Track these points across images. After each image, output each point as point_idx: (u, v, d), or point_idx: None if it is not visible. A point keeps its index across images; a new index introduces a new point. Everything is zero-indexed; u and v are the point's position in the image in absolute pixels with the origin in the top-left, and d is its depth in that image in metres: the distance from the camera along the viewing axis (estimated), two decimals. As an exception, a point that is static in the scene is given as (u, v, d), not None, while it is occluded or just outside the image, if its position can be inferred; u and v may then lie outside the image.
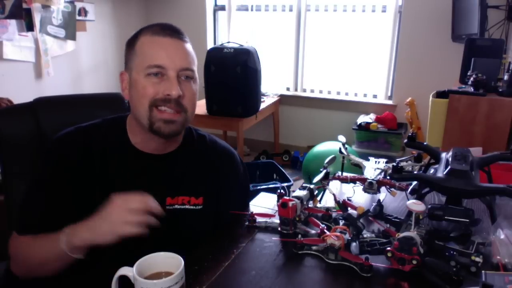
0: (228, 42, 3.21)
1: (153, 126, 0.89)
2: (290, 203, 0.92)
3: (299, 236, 0.89)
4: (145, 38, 0.90)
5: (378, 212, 1.01)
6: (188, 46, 0.93)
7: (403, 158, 1.14)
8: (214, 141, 1.08)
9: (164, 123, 0.89)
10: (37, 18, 3.02)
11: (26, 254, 0.88)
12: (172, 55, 0.88)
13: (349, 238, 0.84)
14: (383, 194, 1.11)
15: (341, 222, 0.92)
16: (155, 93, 0.88)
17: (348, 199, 1.09)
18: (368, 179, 1.04)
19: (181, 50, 0.90)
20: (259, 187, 2.47)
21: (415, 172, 1.09)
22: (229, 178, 1.06)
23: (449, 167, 0.92)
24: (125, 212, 0.77)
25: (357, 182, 1.08)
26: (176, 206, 0.96)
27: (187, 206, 0.98)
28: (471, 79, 2.01)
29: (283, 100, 3.85)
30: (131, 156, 0.95)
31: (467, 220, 0.85)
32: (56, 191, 0.90)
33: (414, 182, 1.08)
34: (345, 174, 1.13)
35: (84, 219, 0.87)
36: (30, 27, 3.00)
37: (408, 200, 0.97)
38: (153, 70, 0.87)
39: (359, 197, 1.15)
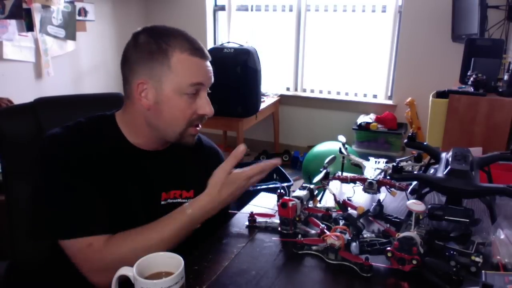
0: (228, 42, 3.21)
1: (182, 139, 0.96)
2: (290, 203, 0.92)
3: (299, 236, 0.89)
4: (182, 56, 0.91)
5: (378, 212, 1.01)
6: None
7: (403, 158, 1.14)
8: (199, 137, 1.11)
9: (193, 137, 0.98)
10: (37, 18, 3.02)
11: (135, 247, 0.85)
12: (208, 74, 0.96)
13: (349, 238, 0.84)
14: (383, 194, 1.11)
15: (341, 222, 0.92)
16: (191, 114, 0.93)
17: (348, 199, 1.09)
18: (368, 179, 1.04)
19: (211, 70, 0.98)
20: (259, 187, 2.47)
21: (415, 172, 1.09)
22: None
23: (449, 167, 0.92)
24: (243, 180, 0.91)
25: (357, 182, 1.08)
26: (169, 201, 0.99)
27: (179, 200, 1.00)
28: (471, 79, 2.01)
29: (283, 100, 3.85)
30: (126, 153, 0.96)
31: (467, 220, 0.85)
32: (84, 187, 0.88)
33: (414, 182, 1.08)
34: (345, 174, 1.13)
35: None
36: (30, 27, 3.00)
37: (408, 200, 0.97)
38: (193, 89, 0.92)
39: (359, 197, 1.15)
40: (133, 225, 0.90)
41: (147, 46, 0.91)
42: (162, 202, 0.98)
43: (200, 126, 0.98)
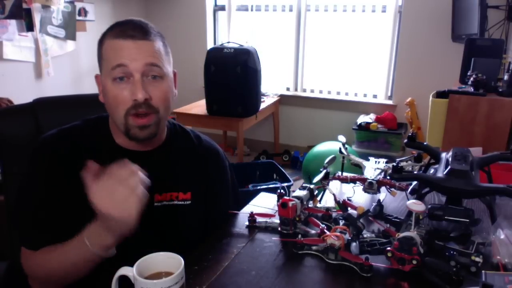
0: (228, 42, 3.21)
1: (129, 132, 0.89)
2: (290, 203, 0.92)
3: (299, 236, 0.89)
4: (108, 41, 0.88)
5: (378, 212, 1.01)
6: (156, 44, 0.88)
7: (403, 158, 1.14)
8: (198, 137, 1.08)
9: (139, 129, 0.88)
10: (37, 18, 3.02)
11: (50, 268, 0.86)
12: (133, 54, 0.86)
13: (349, 238, 0.84)
14: (383, 194, 1.11)
15: (341, 222, 0.92)
16: (125, 101, 0.86)
17: (348, 199, 1.09)
18: (368, 179, 1.04)
19: (144, 49, 0.87)
20: (259, 187, 2.47)
21: (415, 172, 1.09)
22: (217, 173, 1.07)
23: (449, 167, 0.92)
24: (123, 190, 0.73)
25: (357, 182, 1.08)
26: (165, 203, 0.96)
27: (175, 202, 0.97)
28: (471, 79, 2.01)
29: (283, 100, 3.85)
30: (117, 155, 0.93)
31: (467, 220, 0.85)
32: (57, 197, 0.89)
33: (414, 182, 1.08)
34: (345, 174, 1.13)
35: (81, 217, 0.87)
36: (30, 27, 3.00)
37: (408, 200, 0.97)
38: (116, 72, 0.85)
39: (359, 197, 1.15)
40: None
41: (98, 41, 0.92)
42: (156, 204, 0.95)
43: (140, 116, 0.87)
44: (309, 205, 1.02)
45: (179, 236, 0.95)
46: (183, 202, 0.98)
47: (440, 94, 2.13)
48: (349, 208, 0.99)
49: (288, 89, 3.93)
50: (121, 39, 0.86)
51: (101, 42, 0.90)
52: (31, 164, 0.93)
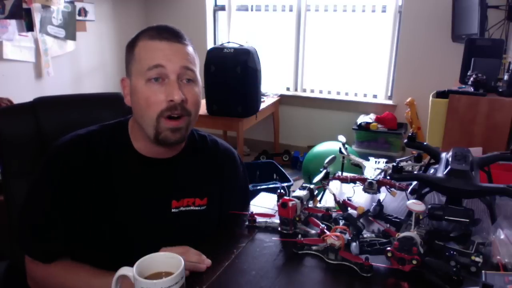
0: (228, 42, 3.21)
1: (159, 136, 0.88)
2: (290, 203, 0.92)
3: (299, 236, 0.89)
4: (142, 43, 0.88)
5: (378, 212, 1.01)
6: (189, 49, 0.91)
7: (403, 158, 1.14)
8: (215, 141, 1.07)
9: (171, 132, 0.88)
10: (37, 18, 3.02)
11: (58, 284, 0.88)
12: (170, 56, 0.86)
13: (349, 238, 0.84)
14: (383, 194, 1.11)
15: (341, 222, 0.92)
16: (159, 103, 0.86)
17: (348, 199, 1.09)
18: (368, 179, 1.04)
19: (180, 52, 0.88)
20: (259, 187, 2.47)
21: (415, 172, 1.09)
22: (231, 178, 1.07)
23: (449, 167, 0.92)
24: None
25: (357, 182, 1.08)
26: (182, 209, 0.96)
27: (192, 207, 0.97)
28: (471, 79, 2.00)
29: (283, 100, 3.85)
30: (135, 162, 0.94)
31: (467, 220, 0.85)
32: (69, 205, 0.88)
33: (414, 182, 1.08)
34: (345, 174, 1.13)
35: (91, 225, 0.87)
36: (30, 27, 3.00)
37: (408, 200, 0.97)
38: (152, 73, 0.85)
39: (359, 197, 1.15)
40: (139, 232, 0.91)
41: (128, 45, 0.92)
42: (173, 210, 0.95)
43: (175, 118, 0.87)
44: (309, 205, 1.02)
45: (193, 241, 0.92)
46: (199, 208, 0.98)
47: (440, 94, 2.12)
48: (349, 208, 0.99)
49: (288, 89, 3.93)
50: (157, 41, 0.87)
51: (133, 44, 0.90)
52: (42, 174, 0.91)
